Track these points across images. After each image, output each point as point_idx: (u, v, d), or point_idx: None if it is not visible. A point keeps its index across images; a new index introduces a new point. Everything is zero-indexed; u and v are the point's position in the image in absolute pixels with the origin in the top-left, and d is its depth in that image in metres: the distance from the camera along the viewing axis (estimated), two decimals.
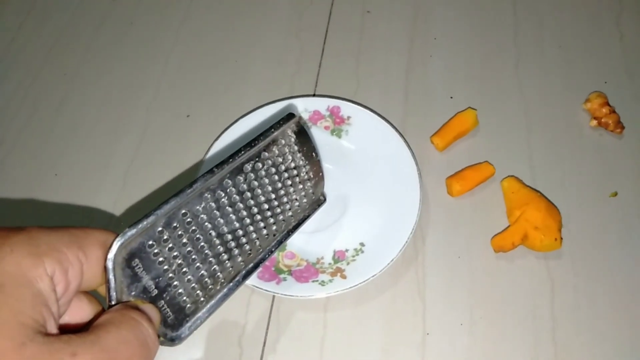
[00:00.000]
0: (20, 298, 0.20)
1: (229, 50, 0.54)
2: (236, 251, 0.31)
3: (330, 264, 0.40)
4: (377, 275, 0.38)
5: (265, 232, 0.33)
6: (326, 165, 0.45)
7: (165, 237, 0.27)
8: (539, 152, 0.46)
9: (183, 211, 0.28)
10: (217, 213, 0.30)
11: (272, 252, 0.34)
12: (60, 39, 0.56)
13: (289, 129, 0.34)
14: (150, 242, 0.26)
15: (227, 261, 0.31)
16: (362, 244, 0.41)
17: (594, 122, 0.47)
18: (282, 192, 0.34)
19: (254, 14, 0.57)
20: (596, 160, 0.46)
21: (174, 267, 0.28)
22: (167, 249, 0.27)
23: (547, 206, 0.40)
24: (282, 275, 0.39)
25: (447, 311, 0.39)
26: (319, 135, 0.46)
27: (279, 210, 0.34)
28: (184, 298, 0.28)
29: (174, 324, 0.28)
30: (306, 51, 0.54)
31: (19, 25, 0.57)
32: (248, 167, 0.32)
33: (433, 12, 0.56)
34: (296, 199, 0.35)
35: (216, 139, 0.45)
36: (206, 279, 0.29)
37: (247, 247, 0.32)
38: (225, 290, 0.31)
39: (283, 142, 0.34)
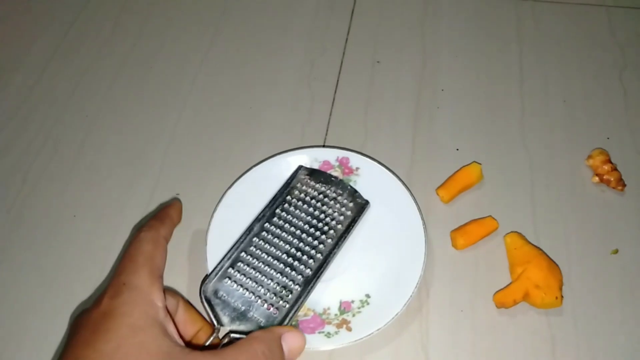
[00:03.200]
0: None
1: (244, 97, 0.56)
2: (296, 264, 0.41)
3: (336, 315, 0.41)
4: (382, 329, 0.39)
5: (316, 242, 0.42)
6: None
7: (234, 273, 0.40)
8: (542, 207, 0.47)
9: (242, 254, 0.41)
10: (268, 246, 0.42)
11: (334, 252, 0.42)
12: (82, 82, 0.59)
13: (301, 175, 0.46)
14: (225, 279, 0.40)
15: (292, 272, 0.41)
16: (367, 296, 0.42)
17: (596, 179, 0.48)
18: (317, 212, 0.44)
19: (269, 62, 0.59)
20: (598, 217, 0.47)
21: (249, 289, 0.39)
22: (239, 279, 0.40)
23: (549, 264, 0.41)
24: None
25: None
26: None
27: (321, 224, 0.43)
28: (267, 308, 0.39)
29: (266, 326, 0.38)
30: (317, 100, 0.56)
31: (43, 68, 0.60)
32: (278, 211, 0.44)
33: (441, 64, 0.58)
34: (335, 212, 0.44)
35: (228, 188, 0.47)
36: (280, 289, 0.40)
37: (305, 257, 0.41)
38: (300, 291, 0.40)
39: (299, 184, 0.45)
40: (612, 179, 0.47)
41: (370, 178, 0.47)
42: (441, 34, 0.60)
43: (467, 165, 0.48)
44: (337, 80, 0.57)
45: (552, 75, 0.56)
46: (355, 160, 0.48)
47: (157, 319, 0.29)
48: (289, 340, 0.33)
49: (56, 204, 0.50)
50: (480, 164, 0.48)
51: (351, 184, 0.47)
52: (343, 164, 0.48)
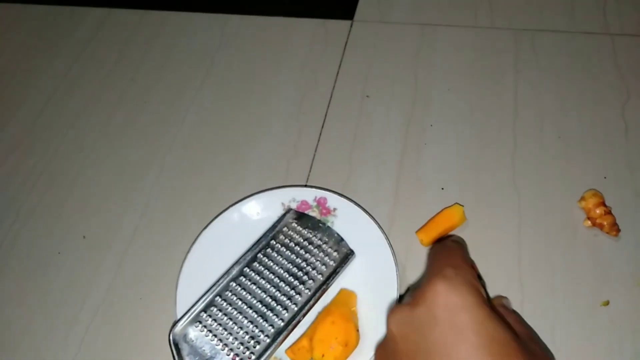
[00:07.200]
0: None
1: (233, 132, 0.57)
2: (269, 313, 0.41)
3: None
4: None
5: (293, 292, 0.42)
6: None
7: (205, 317, 0.40)
8: (528, 251, 0.45)
9: (217, 298, 0.41)
10: (243, 292, 0.42)
11: (309, 304, 0.41)
12: (82, 115, 0.61)
13: (289, 218, 0.46)
14: (196, 323, 0.40)
15: (263, 322, 0.40)
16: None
17: (588, 223, 0.45)
18: (299, 260, 0.43)
19: (261, 96, 0.59)
20: (589, 264, 0.44)
21: (218, 336, 0.40)
22: (209, 325, 0.40)
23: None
24: None
25: None
26: None
27: (301, 273, 0.43)
28: (232, 358, 0.39)
29: None
30: (304, 134, 0.55)
31: (45, 103, 0.62)
32: (260, 255, 0.43)
33: (432, 98, 0.56)
34: (317, 261, 0.43)
35: (203, 229, 0.47)
36: (248, 340, 0.40)
37: (279, 307, 0.41)
38: (269, 343, 0.40)
39: (286, 229, 0.45)
40: (605, 223, 0.45)
41: (347, 219, 0.46)
42: (435, 66, 0.59)
43: (449, 206, 0.47)
44: (325, 115, 0.57)
45: (548, 110, 0.54)
46: (333, 200, 0.47)
47: None
48: None
49: (43, 241, 0.51)
50: (462, 205, 0.46)
51: (328, 224, 0.47)
52: (321, 204, 0.47)
